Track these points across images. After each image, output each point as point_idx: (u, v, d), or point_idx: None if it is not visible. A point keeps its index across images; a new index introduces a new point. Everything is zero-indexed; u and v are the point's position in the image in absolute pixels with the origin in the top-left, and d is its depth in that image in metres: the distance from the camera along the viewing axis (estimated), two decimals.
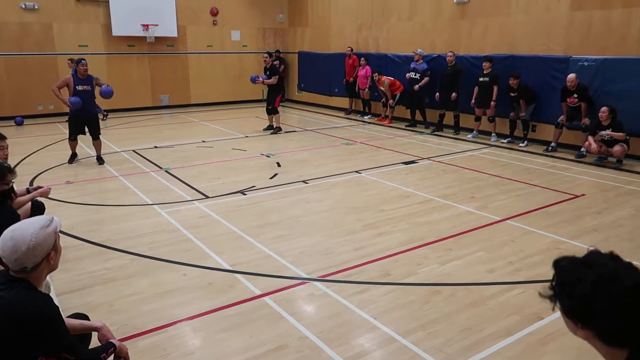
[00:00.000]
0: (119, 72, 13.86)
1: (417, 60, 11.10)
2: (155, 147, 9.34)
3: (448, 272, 4.18)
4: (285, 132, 11.08)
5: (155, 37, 14.04)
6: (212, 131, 11.20)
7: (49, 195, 4.53)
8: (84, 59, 7.83)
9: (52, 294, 3.30)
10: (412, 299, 3.75)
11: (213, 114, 13.50)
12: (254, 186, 6.72)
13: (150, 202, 6.05)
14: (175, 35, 14.38)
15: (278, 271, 4.23)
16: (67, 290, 3.88)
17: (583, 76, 8.38)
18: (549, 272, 4.04)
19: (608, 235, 4.98)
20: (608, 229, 5.16)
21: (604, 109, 7.67)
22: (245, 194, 6.40)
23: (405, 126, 11.62)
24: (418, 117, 11.53)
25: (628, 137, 7.62)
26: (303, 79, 16.01)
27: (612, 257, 1.31)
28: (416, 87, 11.07)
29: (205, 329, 3.38)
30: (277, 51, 16.25)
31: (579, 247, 4.65)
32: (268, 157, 8.54)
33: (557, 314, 3.49)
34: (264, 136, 10.58)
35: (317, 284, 4.00)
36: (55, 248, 2.07)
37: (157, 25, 13.84)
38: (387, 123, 12.14)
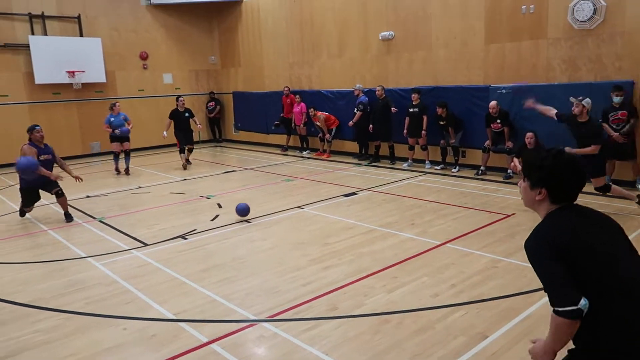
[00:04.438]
0: (44, 121, 13.12)
1: (357, 95, 11.44)
2: (88, 196, 8.93)
3: (395, 300, 4.24)
4: (225, 172, 10.99)
5: (82, 84, 13.64)
6: (148, 176, 10.89)
7: None
8: (38, 125, 7.21)
9: None
10: (361, 331, 3.75)
11: (149, 159, 13.16)
12: (195, 230, 6.56)
13: (84, 255, 5.73)
14: (104, 80, 14.04)
15: (225, 315, 4.11)
16: None
17: (502, 103, 9.00)
18: (489, 291, 4.20)
19: None
20: None
21: (529, 134, 8.15)
22: (186, 239, 6.22)
23: (358, 160, 11.65)
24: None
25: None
26: (239, 119, 16.05)
27: (553, 148, 2.04)
28: (350, 123, 11.39)
29: None
30: (212, 92, 16.27)
31: (514, 264, 4.88)
32: (208, 198, 8.40)
33: (501, 331, 3.59)
34: (203, 178, 10.42)
35: (266, 324, 3.92)
36: None
37: (83, 71, 13.46)
38: (325, 157, 12.35)
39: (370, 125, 11.04)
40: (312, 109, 12.29)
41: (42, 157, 7.05)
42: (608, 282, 1.79)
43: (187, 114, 11.69)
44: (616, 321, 1.78)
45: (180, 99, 11.78)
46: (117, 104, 11.25)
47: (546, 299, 4.30)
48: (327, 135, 12.31)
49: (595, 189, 6.55)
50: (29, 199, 7.21)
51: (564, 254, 1.81)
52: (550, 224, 1.95)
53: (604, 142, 6.46)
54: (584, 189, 6.60)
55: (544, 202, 2.00)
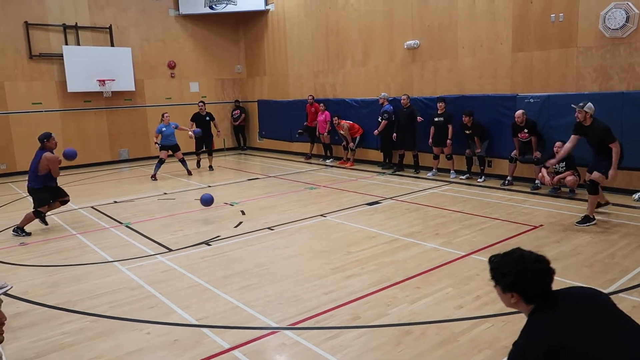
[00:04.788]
0: (75, 128, 13.66)
1: (382, 104, 11.41)
2: (115, 202, 9.12)
3: (418, 311, 4.18)
4: (249, 179, 11.08)
5: (112, 92, 13.99)
6: (173, 183, 11.06)
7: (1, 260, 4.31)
8: (52, 133, 7.30)
9: None
10: (383, 341, 3.71)
11: (174, 165, 13.33)
12: (218, 236, 6.62)
13: (110, 259, 5.84)
14: (133, 89, 14.37)
15: (247, 322, 4.12)
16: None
17: (530, 112, 8.83)
18: None
19: (568, 263, 5.13)
20: (568, 257, 5.31)
21: (558, 143, 7.92)
22: (210, 245, 6.28)
23: (382, 169, 11.59)
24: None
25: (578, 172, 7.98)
26: (264, 127, 16.18)
27: (518, 249, 2.14)
28: (375, 132, 11.37)
29: None
30: (237, 100, 16.48)
31: None
32: (232, 205, 8.47)
33: None
34: (227, 185, 10.52)
35: (288, 332, 3.91)
36: None
37: (113, 80, 13.81)
38: (348, 166, 12.33)
39: (394, 134, 10.99)
40: (336, 117, 12.31)
41: None
42: None
43: (207, 117, 12.54)
44: None
45: (200, 102, 12.85)
46: (167, 114, 11.77)
47: None
48: (351, 144, 12.30)
49: (588, 180, 6.48)
50: (44, 201, 7.15)
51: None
52: (529, 332, 1.99)
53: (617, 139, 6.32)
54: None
55: (520, 304, 2.08)
